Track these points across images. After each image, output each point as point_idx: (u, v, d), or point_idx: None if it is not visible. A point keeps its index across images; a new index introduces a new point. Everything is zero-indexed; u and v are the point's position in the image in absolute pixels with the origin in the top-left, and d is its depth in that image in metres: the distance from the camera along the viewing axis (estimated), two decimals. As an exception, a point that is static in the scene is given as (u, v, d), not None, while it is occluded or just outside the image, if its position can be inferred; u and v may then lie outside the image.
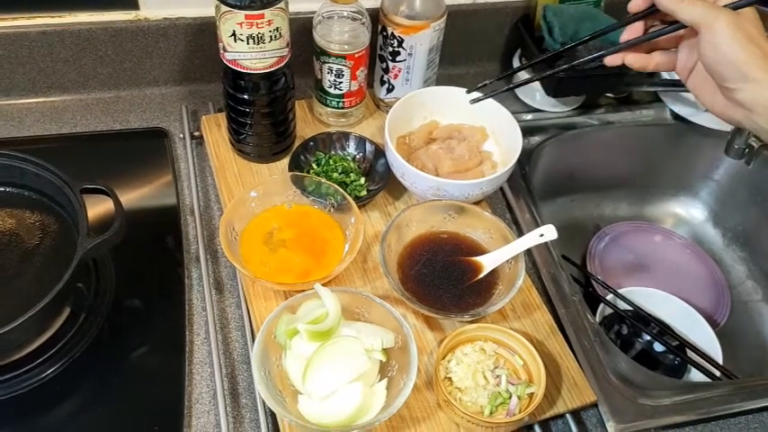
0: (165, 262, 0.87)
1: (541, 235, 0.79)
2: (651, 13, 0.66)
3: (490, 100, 0.92)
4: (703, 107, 0.66)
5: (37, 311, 0.67)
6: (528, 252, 0.90)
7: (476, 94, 0.86)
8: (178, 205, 0.92)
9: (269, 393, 0.66)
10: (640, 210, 1.23)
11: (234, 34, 0.78)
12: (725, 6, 0.60)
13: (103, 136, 1.01)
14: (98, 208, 0.80)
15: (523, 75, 0.96)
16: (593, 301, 0.99)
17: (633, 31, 0.68)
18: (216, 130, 0.98)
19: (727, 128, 1.04)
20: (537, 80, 0.80)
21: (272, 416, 0.73)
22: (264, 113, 0.89)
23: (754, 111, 0.60)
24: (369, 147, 0.94)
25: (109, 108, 1.05)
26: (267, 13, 0.77)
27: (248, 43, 0.79)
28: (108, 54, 1.02)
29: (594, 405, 0.77)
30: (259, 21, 0.77)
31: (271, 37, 0.79)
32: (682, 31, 0.65)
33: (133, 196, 0.92)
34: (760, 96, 0.59)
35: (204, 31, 1.02)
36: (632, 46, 0.68)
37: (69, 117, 1.03)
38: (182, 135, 1.00)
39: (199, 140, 1.00)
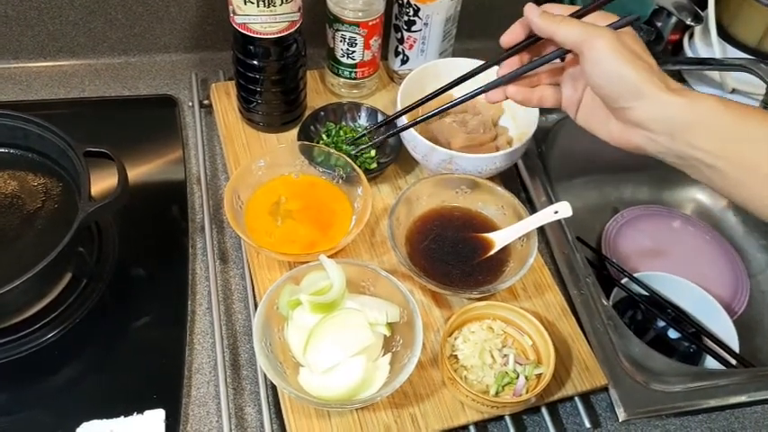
0: (170, 231, 0.85)
1: (556, 212, 0.76)
2: (525, 47, 0.64)
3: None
4: (601, 139, 0.61)
5: (35, 274, 0.65)
6: (542, 232, 0.88)
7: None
8: (185, 174, 0.91)
9: (269, 364, 0.65)
10: (660, 194, 1.19)
11: (244, -4, 0.76)
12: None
13: (111, 102, 0.99)
14: (109, 179, 0.77)
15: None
16: (607, 284, 0.96)
17: (510, 63, 0.65)
18: (225, 98, 0.96)
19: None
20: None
21: (272, 389, 0.71)
22: (274, 81, 0.86)
23: (653, 129, 0.55)
24: (381, 118, 0.91)
25: (118, 74, 1.03)
26: (278, -26, 0.75)
27: (258, 6, 0.77)
28: (118, 18, 1.00)
29: (605, 389, 0.74)
30: (270, -18, 0.75)
31: (282, 0, 0.77)
32: (563, 62, 0.62)
33: (140, 164, 0.91)
34: (655, 112, 0.54)
35: (216, -3, 1.00)
36: (512, 79, 0.64)
37: (77, 82, 1.01)
38: (190, 103, 0.99)
39: (208, 109, 0.98)
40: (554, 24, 0.58)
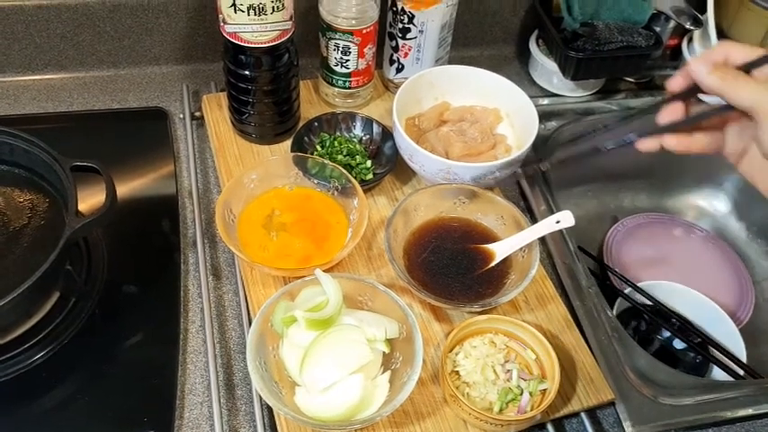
0: (161, 246, 0.83)
1: (558, 221, 0.74)
2: (693, 92, 0.57)
3: (505, 80, 0.88)
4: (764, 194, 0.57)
5: (20, 294, 0.63)
6: (542, 243, 0.86)
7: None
8: (176, 188, 0.89)
9: (264, 384, 0.63)
10: (660, 201, 1.17)
11: (234, 4, 0.74)
12: None
13: (101, 115, 0.98)
14: (99, 194, 0.74)
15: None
16: (610, 294, 0.94)
17: (673, 111, 0.58)
18: (217, 109, 0.94)
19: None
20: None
21: (268, 409, 0.69)
22: (267, 91, 0.85)
23: None
24: (376, 128, 0.90)
25: (107, 87, 1.01)
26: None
27: (249, 14, 0.75)
28: (107, 30, 0.98)
29: (612, 404, 0.72)
30: (260, -11, 0.73)
31: (273, 8, 0.75)
32: (730, 113, 0.56)
33: (130, 178, 0.89)
34: None
35: (207, 8, 0.98)
36: (672, 129, 0.58)
37: (66, 95, 0.99)
38: (182, 115, 0.97)
39: (199, 121, 0.97)
40: (726, 85, 0.53)
